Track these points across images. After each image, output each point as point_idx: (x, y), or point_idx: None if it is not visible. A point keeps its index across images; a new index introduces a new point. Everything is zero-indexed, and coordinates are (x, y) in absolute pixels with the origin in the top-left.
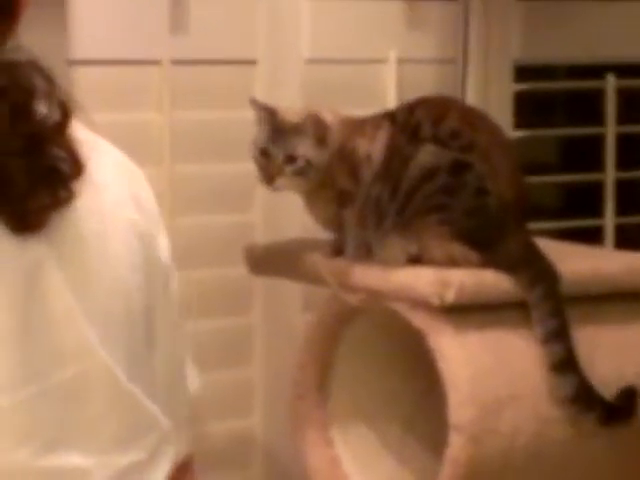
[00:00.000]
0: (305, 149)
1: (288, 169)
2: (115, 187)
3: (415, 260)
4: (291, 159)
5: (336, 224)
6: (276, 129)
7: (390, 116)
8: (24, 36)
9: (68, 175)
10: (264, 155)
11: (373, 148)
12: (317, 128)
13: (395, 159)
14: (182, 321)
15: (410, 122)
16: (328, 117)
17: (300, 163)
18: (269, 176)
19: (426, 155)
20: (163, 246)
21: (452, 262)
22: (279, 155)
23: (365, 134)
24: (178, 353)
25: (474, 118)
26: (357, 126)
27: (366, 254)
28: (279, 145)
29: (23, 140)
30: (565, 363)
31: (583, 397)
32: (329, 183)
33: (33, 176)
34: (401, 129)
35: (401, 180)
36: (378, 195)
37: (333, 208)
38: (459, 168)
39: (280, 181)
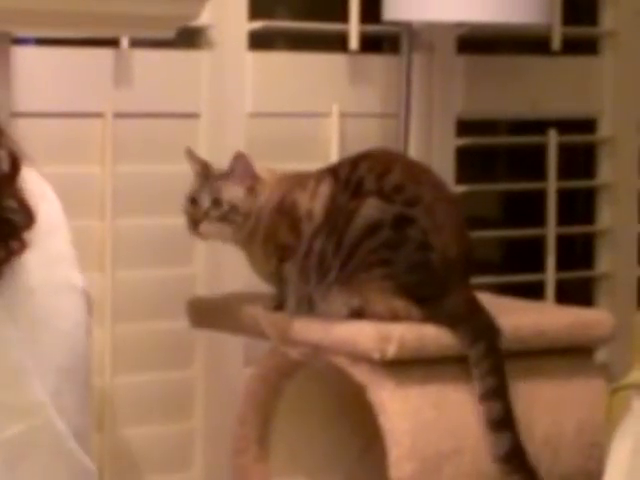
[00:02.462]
0: (231, 194)
1: (213, 213)
2: (61, 239)
3: (357, 314)
4: (216, 203)
5: (277, 278)
6: (206, 178)
7: (332, 171)
8: None
9: (20, 226)
10: (192, 203)
11: (314, 204)
12: (245, 174)
13: (338, 214)
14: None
15: (352, 178)
16: (262, 172)
17: (225, 207)
18: (194, 222)
19: (369, 209)
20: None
21: (394, 317)
22: (205, 201)
23: (306, 188)
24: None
25: (418, 172)
26: (298, 181)
27: (308, 308)
28: (206, 192)
29: None
30: (501, 422)
31: (513, 458)
32: (270, 237)
33: None
34: (344, 184)
35: (345, 234)
36: (321, 249)
37: (274, 262)
38: (402, 222)
39: (205, 226)
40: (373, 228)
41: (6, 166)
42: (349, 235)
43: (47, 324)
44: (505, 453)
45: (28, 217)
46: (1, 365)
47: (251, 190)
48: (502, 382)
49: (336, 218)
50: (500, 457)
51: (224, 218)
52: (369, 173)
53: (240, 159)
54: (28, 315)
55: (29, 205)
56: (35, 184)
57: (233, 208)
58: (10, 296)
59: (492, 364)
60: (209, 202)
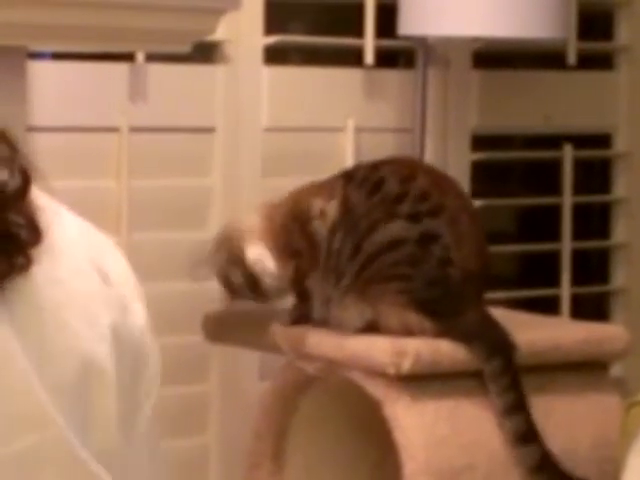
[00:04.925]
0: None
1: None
2: (76, 256)
3: (370, 325)
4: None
5: (295, 290)
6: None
7: (346, 175)
8: None
9: (26, 242)
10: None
11: (328, 204)
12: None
13: (356, 215)
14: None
15: (371, 177)
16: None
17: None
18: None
19: (396, 228)
20: (135, 318)
21: (407, 331)
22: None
23: (320, 194)
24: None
25: (443, 181)
26: (311, 189)
27: (326, 310)
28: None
29: None
30: (526, 435)
31: (546, 468)
32: (285, 249)
33: None
34: (360, 183)
35: (365, 240)
36: (338, 247)
37: (290, 274)
38: (426, 239)
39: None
40: (396, 243)
41: (17, 182)
42: (370, 243)
43: (53, 341)
44: (537, 464)
45: (35, 234)
46: (8, 378)
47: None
48: (522, 396)
49: (354, 217)
50: (532, 469)
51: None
52: (392, 175)
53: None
54: (34, 331)
55: (37, 222)
56: (48, 200)
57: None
58: (16, 311)
59: (510, 379)
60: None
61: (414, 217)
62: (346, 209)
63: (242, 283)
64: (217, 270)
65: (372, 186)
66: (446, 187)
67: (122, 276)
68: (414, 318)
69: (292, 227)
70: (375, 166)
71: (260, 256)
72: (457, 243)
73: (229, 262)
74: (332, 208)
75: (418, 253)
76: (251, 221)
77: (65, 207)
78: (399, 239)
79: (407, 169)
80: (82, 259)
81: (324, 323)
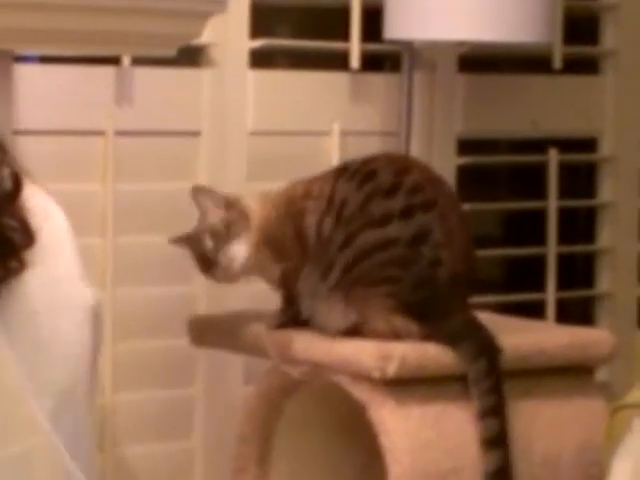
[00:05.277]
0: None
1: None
2: (66, 258)
3: (355, 328)
4: (214, 234)
5: (281, 293)
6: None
7: (340, 167)
8: None
9: (19, 245)
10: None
11: (319, 197)
12: (214, 200)
13: (349, 205)
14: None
15: (363, 169)
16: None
17: (221, 229)
18: (208, 261)
19: (390, 228)
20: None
21: (394, 334)
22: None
23: (314, 189)
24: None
25: (435, 178)
26: (307, 185)
27: (313, 304)
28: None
29: None
30: (494, 440)
31: (499, 478)
32: (277, 246)
33: None
34: (352, 173)
35: (357, 235)
36: (329, 237)
37: (277, 271)
38: (418, 238)
39: (221, 256)
40: (388, 242)
41: (8, 185)
42: (362, 239)
43: (48, 346)
44: (492, 471)
45: (28, 236)
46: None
47: (229, 205)
48: (500, 401)
49: (347, 208)
50: (487, 475)
51: (229, 236)
52: (386, 166)
53: (199, 192)
54: (28, 336)
55: (30, 224)
56: (39, 203)
57: (227, 225)
58: (10, 316)
59: (491, 383)
60: (209, 239)
61: (407, 212)
62: (337, 197)
63: (211, 251)
64: (194, 230)
65: (364, 176)
66: (438, 184)
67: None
68: (401, 321)
69: (286, 228)
70: (368, 159)
71: (238, 254)
72: (447, 241)
73: (210, 232)
74: (323, 198)
75: (408, 254)
76: (250, 207)
77: (53, 204)
78: (391, 239)
79: (401, 163)
80: (71, 261)
81: (310, 320)
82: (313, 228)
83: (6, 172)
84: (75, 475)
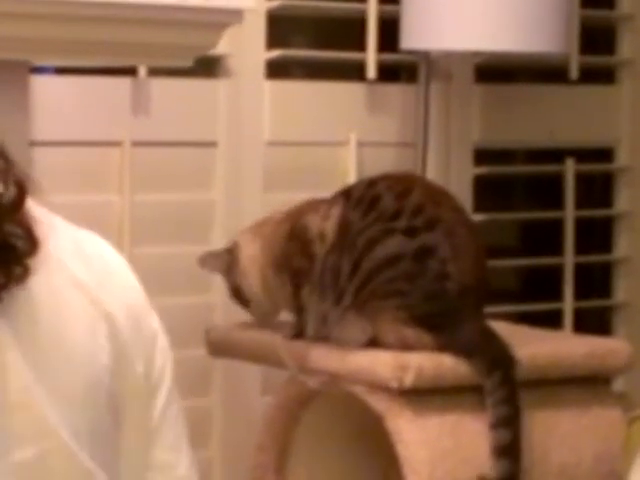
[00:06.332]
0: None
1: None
2: (73, 266)
3: (371, 341)
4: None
5: (294, 305)
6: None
7: (345, 192)
8: None
9: (23, 252)
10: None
11: (326, 225)
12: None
13: (351, 232)
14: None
15: (366, 195)
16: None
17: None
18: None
19: (393, 243)
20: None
21: (406, 346)
22: None
23: (318, 212)
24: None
25: (439, 195)
26: (311, 206)
27: (325, 329)
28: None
29: None
30: (505, 450)
31: None
32: (284, 265)
33: None
34: (356, 202)
35: (364, 259)
36: (334, 265)
37: (289, 289)
38: (423, 254)
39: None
40: (393, 259)
41: (13, 193)
42: (368, 259)
43: (57, 352)
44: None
45: (32, 244)
46: (9, 390)
47: (229, 253)
48: (514, 412)
49: (351, 236)
50: None
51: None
52: (388, 191)
53: (203, 262)
54: (37, 342)
55: (34, 232)
56: (43, 212)
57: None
58: (18, 323)
59: (506, 393)
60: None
61: (410, 232)
62: (343, 229)
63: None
64: (230, 283)
65: (368, 204)
66: (441, 200)
67: (122, 289)
68: (412, 333)
69: (292, 249)
70: (371, 183)
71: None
72: (454, 255)
73: (230, 285)
74: (330, 229)
75: (414, 268)
76: (249, 249)
77: (61, 218)
78: (396, 255)
79: (402, 184)
80: (79, 269)
81: (321, 340)
82: (321, 257)
83: (10, 181)
84: (96, 475)
